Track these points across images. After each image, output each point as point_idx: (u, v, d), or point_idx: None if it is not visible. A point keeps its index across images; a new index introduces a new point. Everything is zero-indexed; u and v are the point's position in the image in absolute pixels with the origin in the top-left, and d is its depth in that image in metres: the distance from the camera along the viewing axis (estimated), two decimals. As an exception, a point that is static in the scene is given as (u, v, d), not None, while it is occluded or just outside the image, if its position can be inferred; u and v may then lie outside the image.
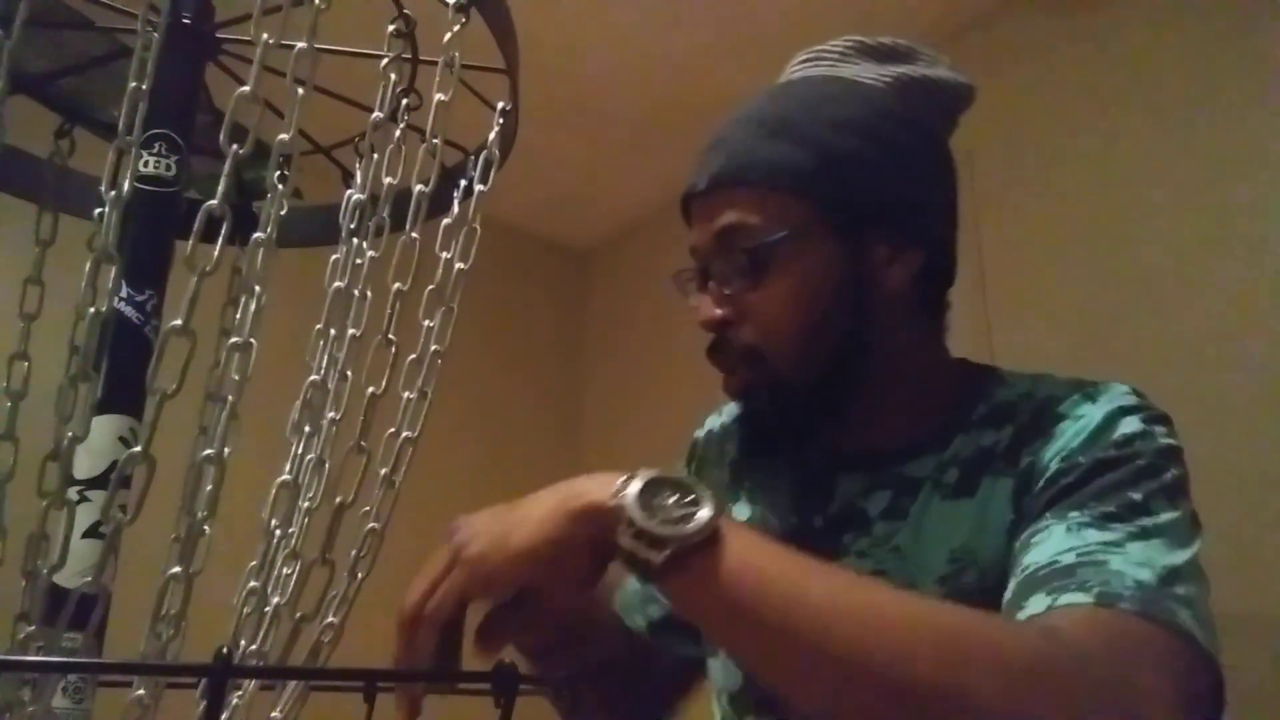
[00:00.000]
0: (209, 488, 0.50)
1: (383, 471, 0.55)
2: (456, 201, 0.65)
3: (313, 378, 0.54)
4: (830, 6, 1.82)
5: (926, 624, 0.47)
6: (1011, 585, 0.56)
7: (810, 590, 0.48)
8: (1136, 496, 0.57)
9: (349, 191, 0.58)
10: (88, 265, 0.50)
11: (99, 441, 0.60)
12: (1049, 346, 1.63)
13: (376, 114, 0.58)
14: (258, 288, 0.52)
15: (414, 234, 0.58)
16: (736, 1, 1.90)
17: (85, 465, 0.59)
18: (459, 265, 0.60)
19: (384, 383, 0.56)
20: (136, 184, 0.64)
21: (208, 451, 0.49)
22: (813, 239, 0.68)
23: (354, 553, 0.54)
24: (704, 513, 0.49)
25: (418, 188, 0.58)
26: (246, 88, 0.49)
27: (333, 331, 0.55)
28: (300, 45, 0.52)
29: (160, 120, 0.67)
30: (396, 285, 0.56)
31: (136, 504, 0.50)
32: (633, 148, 2.45)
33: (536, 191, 2.62)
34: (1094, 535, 0.55)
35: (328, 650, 0.54)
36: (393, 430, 0.57)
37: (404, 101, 0.65)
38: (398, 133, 0.60)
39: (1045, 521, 0.58)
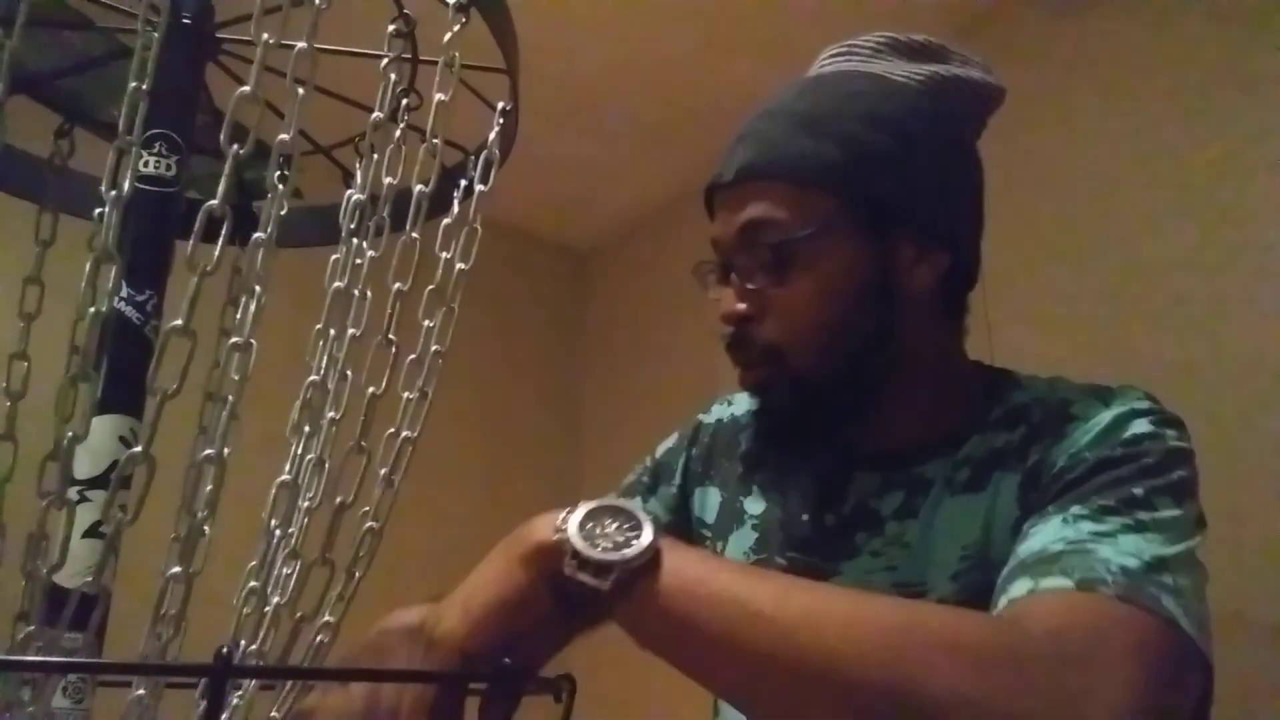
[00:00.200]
0: (209, 488, 0.50)
1: (382, 471, 0.55)
2: (457, 201, 0.65)
3: (313, 378, 0.54)
4: (830, 7, 1.82)
5: (875, 621, 0.47)
6: (1003, 573, 0.56)
7: (756, 598, 0.48)
8: (1138, 492, 0.57)
9: (349, 191, 0.58)
10: (88, 265, 0.50)
11: (99, 441, 0.60)
12: (1049, 346, 1.63)
13: (376, 114, 0.58)
14: (258, 288, 0.52)
15: (414, 234, 0.58)
16: (736, 2, 1.90)
17: (85, 465, 0.59)
18: (460, 265, 0.60)
19: (384, 383, 0.56)
20: (136, 184, 0.64)
21: (208, 451, 0.49)
22: (840, 237, 0.67)
23: (353, 553, 0.53)
24: (645, 535, 0.49)
25: (418, 188, 0.58)
26: (247, 88, 0.49)
27: (332, 331, 0.55)
28: (300, 45, 0.52)
29: (160, 120, 0.67)
30: (397, 285, 0.56)
31: (136, 504, 0.50)
32: (633, 148, 2.45)
33: (537, 192, 2.63)
34: (1088, 526, 0.55)
35: (325, 650, 0.54)
36: (392, 430, 0.57)
37: (404, 101, 0.65)
38: (398, 133, 0.60)
39: (1045, 514, 0.58)
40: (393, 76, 0.61)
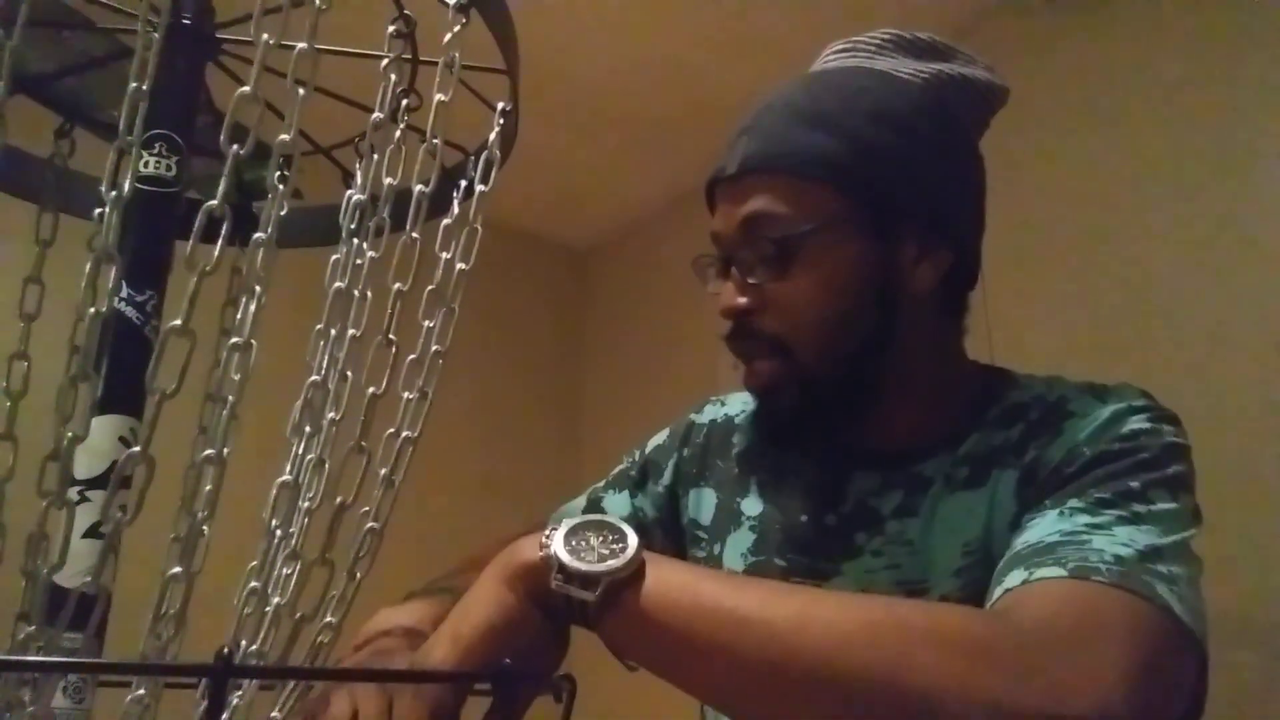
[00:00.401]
0: (209, 488, 0.50)
1: (382, 471, 0.55)
2: (457, 202, 0.65)
3: (313, 378, 0.54)
4: (830, 7, 1.82)
5: (861, 620, 0.47)
6: (999, 565, 0.56)
7: (742, 604, 0.48)
8: (1134, 485, 0.57)
9: (349, 192, 0.58)
10: (88, 265, 0.49)
11: (99, 442, 0.60)
12: (1049, 346, 1.63)
13: (377, 114, 0.58)
14: (258, 288, 0.52)
15: (414, 234, 0.58)
16: (736, 2, 1.90)
17: (85, 465, 0.59)
18: (460, 265, 0.60)
19: (384, 383, 0.56)
20: (137, 184, 0.64)
21: (208, 452, 0.49)
22: (842, 233, 0.66)
23: (353, 553, 0.53)
24: (630, 547, 0.50)
25: (418, 188, 0.58)
26: (247, 88, 0.49)
27: (333, 332, 0.55)
28: (300, 46, 0.52)
29: (160, 120, 0.67)
30: (397, 285, 0.56)
31: (136, 504, 0.50)
32: (633, 148, 2.45)
33: (537, 191, 2.63)
34: (1084, 519, 0.55)
35: (326, 650, 0.54)
36: (391, 430, 0.57)
37: (404, 102, 0.65)
38: (398, 133, 0.60)
39: (1041, 508, 0.58)
40: (393, 77, 0.61)
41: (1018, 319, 1.68)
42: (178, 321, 0.47)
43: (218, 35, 0.78)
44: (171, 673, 0.54)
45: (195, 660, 0.40)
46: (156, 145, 0.67)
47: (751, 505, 0.77)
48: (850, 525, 0.70)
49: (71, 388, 0.50)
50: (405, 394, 0.58)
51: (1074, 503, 0.57)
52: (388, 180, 0.58)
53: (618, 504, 0.88)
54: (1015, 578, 0.52)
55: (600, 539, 0.50)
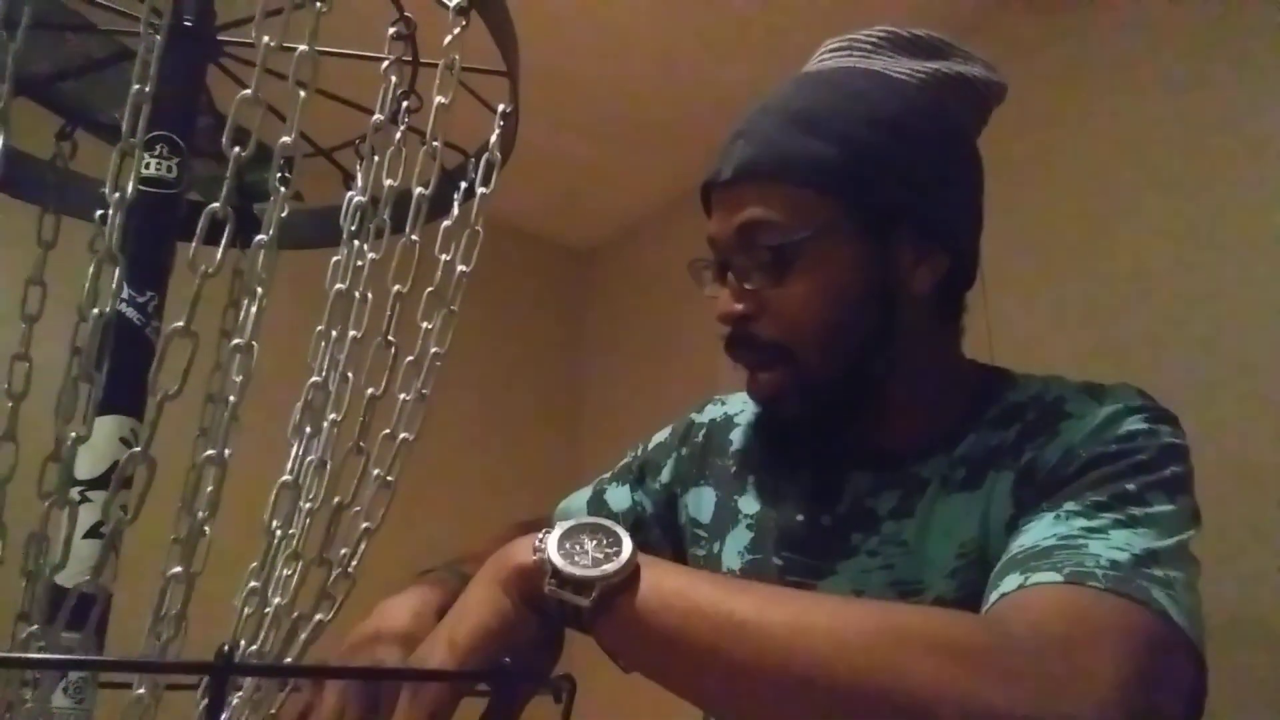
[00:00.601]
0: (210, 489, 0.50)
1: (376, 472, 0.55)
2: (457, 204, 0.65)
3: (314, 379, 0.54)
4: (831, 6, 1.82)
5: (857, 625, 0.47)
6: (996, 568, 0.57)
7: (738, 608, 0.48)
8: (1131, 487, 0.57)
9: (350, 194, 0.59)
10: (91, 267, 0.50)
11: (101, 442, 0.61)
12: (1049, 346, 1.64)
13: (377, 116, 0.58)
14: (259, 289, 0.53)
15: (414, 236, 0.59)
16: (736, 2, 1.90)
17: (87, 466, 0.60)
18: (460, 267, 0.60)
19: (383, 384, 0.56)
20: (138, 186, 0.64)
21: (209, 452, 0.49)
22: (839, 239, 0.66)
23: (343, 551, 0.54)
24: (624, 551, 0.50)
25: (418, 190, 0.58)
26: (248, 90, 0.50)
27: (334, 333, 0.55)
28: (301, 48, 0.52)
29: (162, 122, 0.67)
30: (396, 287, 0.56)
31: (136, 504, 0.50)
32: (634, 148, 2.45)
33: (538, 191, 2.63)
34: (1080, 522, 0.55)
35: (308, 645, 0.54)
36: (387, 431, 0.57)
37: (404, 104, 0.66)
38: (398, 135, 0.60)
39: (1038, 510, 0.58)
40: (393, 79, 0.61)
41: (1018, 319, 1.68)
42: (180, 323, 0.47)
43: (219, 37, 0.78)
44: (172, 670, 0.54)
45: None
46: (158, 147, 0.67)
47: (749, 504, 0.78)
48: (846, 525, 0.70)
49: (73, 388, 0.50)
50: (402, 396, 0.58)
51: (1070, 506, 0.57)
52: (388, 182, 0.58)
53: (620, 496, 0.89)
54: (1011, 582, 0.53)
55: (595, 542, 0.50)
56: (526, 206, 2.69)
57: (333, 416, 0.55)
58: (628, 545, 0.50)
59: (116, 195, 0.49)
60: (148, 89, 0.51)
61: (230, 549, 0.59)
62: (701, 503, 0.83)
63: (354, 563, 0.55)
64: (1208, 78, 1.53)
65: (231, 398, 0.52)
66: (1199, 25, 1.56)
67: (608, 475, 0.92)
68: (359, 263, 0.57)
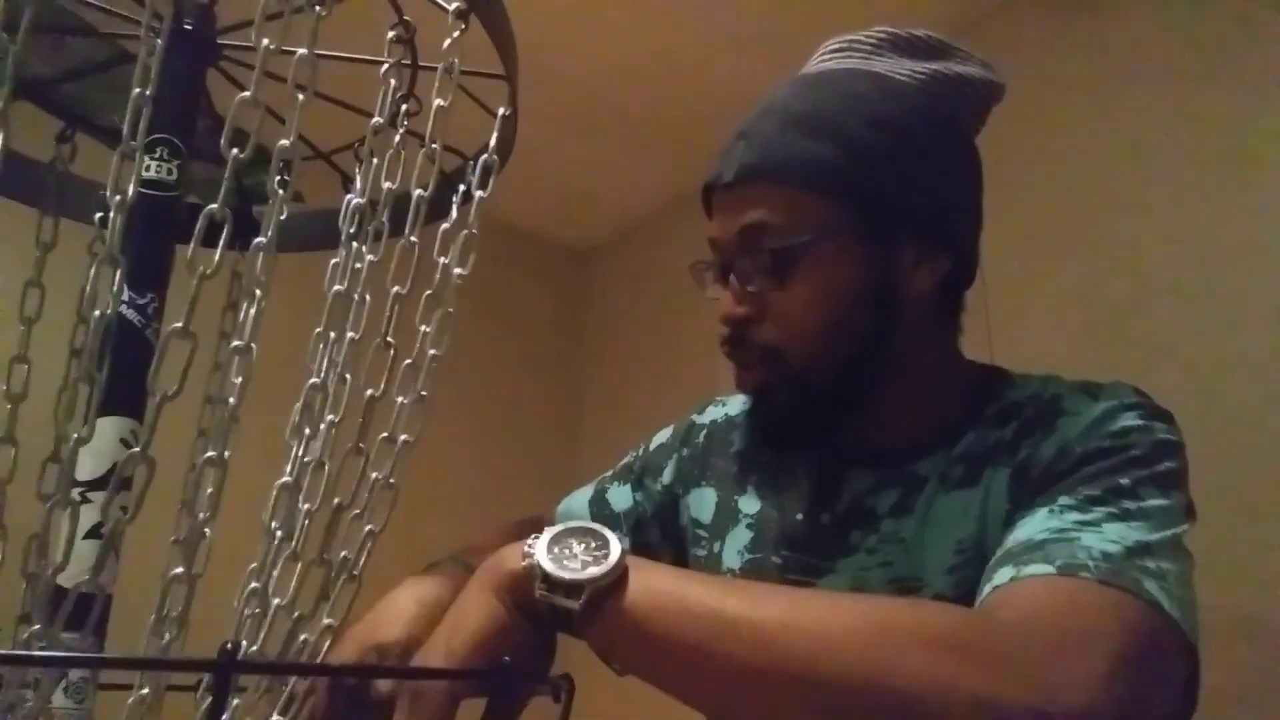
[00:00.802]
0: (210, 490, 0.50)
1: (374, 475, 0.56)
2: (455, 206, 0.65)
3: (313, 380, 0.55)
4: (831, 6, 1.82)
5: (847, 620, 0.47)
6: (990, 563, 0.57)
7: (728, 608, 0.49)
8: (1125, 482, 0.57)
9: (349, 196, 0.59)
10: (91, 269, 0.50)
11: (101, 443, 0.61)
12: (1049, 346, 1.64)
13: (376, 119, 0.58)
14: (258, 291, 0.53)
15: (413, 239, 0.59)
16: (736, 2, 1.90)
17: (87, 467, 0.60)
18: (458, 270, 0.60)
19: (382, 386, 0.56)
20: (138, 188, 0.64)
21: (210, 454, 0.50)
22: (841, 241, 0.66)
23: (343, 554, 0.54)
24: (613, 553, 0.50)
25: (416, 193, 0.58)
26: (247, 93, 0.50)
27: (332, 335, 0.56)
28: (301, 51, 0.52)
29: (162, 125, 0.67)
30: (395, 289, 0.56)
31: (135, 504, 0.50)
32: (634, 147, 2.45)
33: (538, 191, 2.63)
34: (1073, 516, 0.55)
35: (326, 650, 0.54)
36: (385, 434, 0.57)
37: (404, 107, 0.66)
38: (397, 138, 0.60)
39: (1032, 506, 0.58)
40: (392, 82, 0.61)
41: (1018, 319, 1.69)
42: (178, 324, 0.48)
43: (219, 41, 0.78)
44: (174, 668, 0.54)
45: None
46: (158, 150, 0.68)
47: (749, 503, 0.78)
48: (846, 524, 0.71)
49: (73, 390, 0.50)
50: (400, 398, 0.58)
51: (1064, 500, 0.57)
52: (387, 185, 0.58)
53: (621, 496, 0.89)
54: (1004, 575, 0.53)
55: (583, 545, 0.51)
56: (526, 206, 2.69)
57: (331, 418, 0.55)
58: (616, 548, 0.51)
59: (117, 198, 0.49)
60: (148, 92, 0.52)
61: (230, 550, 0.59)
62: (703, 503, 0.83)
63: (360, 565, 0.55)
64: (1208, 77, 1.53)
65: (231, 399, 0.53)
66: (1200, 25, 1.56)
67: (609, 474, 0.93)
68: (357, 265, 0.57)
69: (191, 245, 0.50)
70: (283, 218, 0.53)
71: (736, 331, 0.69)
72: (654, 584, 0.50)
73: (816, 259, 0.66)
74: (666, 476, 0.87)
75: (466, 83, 0.70)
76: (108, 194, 0.50)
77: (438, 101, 0.60)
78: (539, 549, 0.51)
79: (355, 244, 0.57)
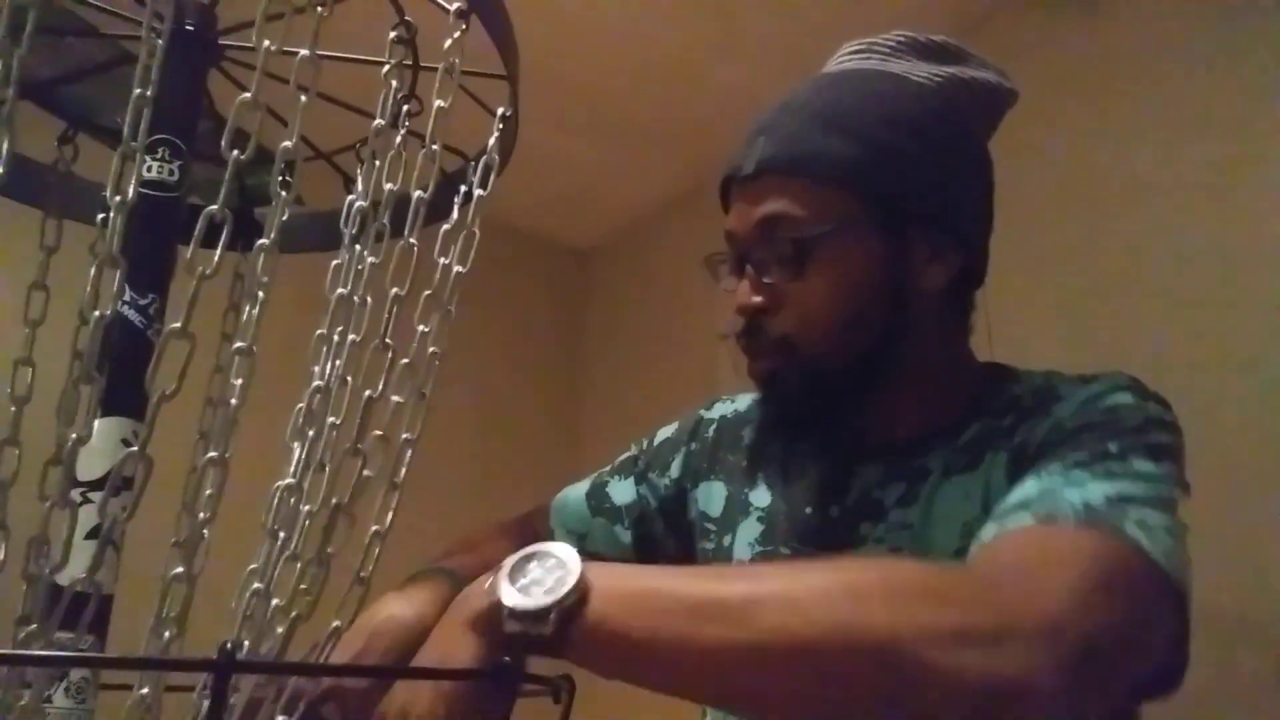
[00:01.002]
0: (210, 490, 0.50)
1: (368, 472, 0.56)
2: (456, 207, 0.65)
3: (316, 383, 0.55)
4: (830, 8, 1.82)
5: (810, 581, 0.49)
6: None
7: (693, 592, 0.49)
8: (1112, 448, 0.58)
9: (350, 197, 0.59)
10: (92, 270, 0.50)
11: (102, 444, 0.61)
12: (1049, 346, 1.64)
13: (378, 120, 0.58)
14: (261, 293, 0.53)
15: (413, 239, 0.59)
16: (736, 2, 1.90)
17: (88, 467, 0.60)
18: (457, 268, 0.61)
19: (380, 386, 0.56)
20: (140, 189, 0.64)
21: (211, 454, 0.50)
22: (857, 234, 0.68)
23: (330, 550, 0.54)
24: (571, 570, 0.50)
25: (416, 193, 0.59)
26: (248, 94, 0.50)
27: (335, 337, 0.56)
28: (302, 52, 0.52)
29: (163, 126, 0.67)
30: (394, 290, 0.57)
31: (133, 503, 0.50)
32: (634, 147, 2.45)
33: (538, 191, 2.63)
34: (1059, 478, 0.56)
35: (328, 651, 0.54)
36: (379, 433, 0.57)
37: (405, 108, 0.66)
38: (398, 139, 0.60)
39: (1023, 477, 0.60)
40: (394, 83, 0.61)
41: (1018, 319, 1.68)
42: (177, 324, 0.48)
43: (220, 42, 0.78)
44: (175, 668, 0.54)
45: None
46: (159, 151, 0.68)
47: (760, 497, 0.79)
48: (855, 516, 0.71)
49: (74, 391, 0.50)
50: (395, 398, 0.58)
51: (1052, 466, 0.58)
52: (388, 185, 0.58)
53: (623, 490, 0.90)
54: (989, 532, 0.54)
55: (543, 569, 0.51)
56: (527, 206, 2.69)
57: (331, 419, 0.55)
58: (574, 563, 0.50)
59: (117, 198, 0.49)
60: (149, 93, 0.52)
61: (230, 551, 0.59)
62: (711, 497, 0.84)
63: (369, 568, 0.55)
64: (1209, 77, 1.53)
65: (233, 400, 0.53)
66: (1200, 25, 1.56)
67: (607, 470, 0.93)
68: (358, 266, 0.57)
69: (191, 245, 0.50)
70: (285, 219, 0.53)
71: (752, 321, 0.71)
72: (618, 588, 0.50)
73: (833, 250, 0.68)
74: (674, 470, 0.88)
75: (467, 83, 0.70)
76: (108, 194, 0.50)
77: (438, 102, 0.60)
78: (500, 584, 0.51)
79: (357, 245, 0.57)
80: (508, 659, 0.50)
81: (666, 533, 0.87)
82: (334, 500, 0.53)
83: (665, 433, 0.92)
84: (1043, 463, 0.59)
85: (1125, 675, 0.49)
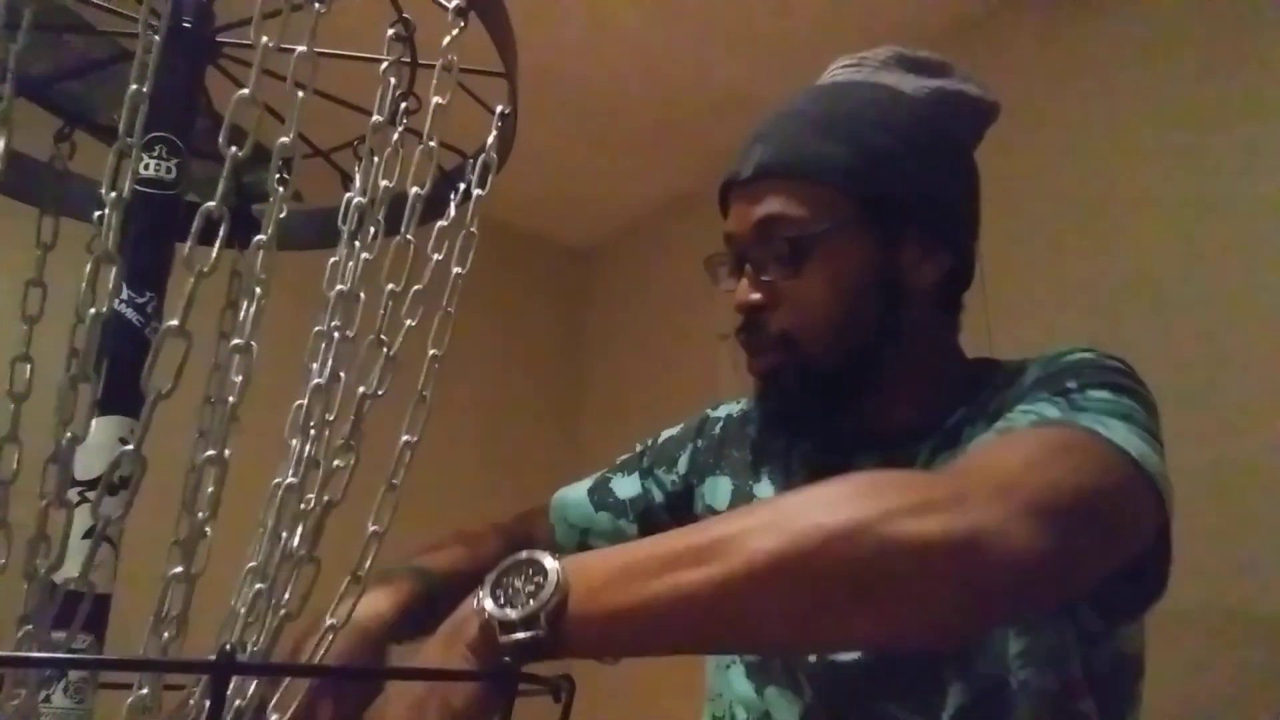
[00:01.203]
0: (209, 490, 0.50)
1: (354, 470, 0.55)
2: (453, 205, 0.65)
3: (315, 381, 0.54)
4: (830, 8, 1.82)
5: (777, 506, 0.51)
6: None
7: (668, 548, 0.50)
8: (1070, 385, 0.61)
9: (348, 194, 0.59)
10: (88, 267, 0.50)
11: (100, 443, 0.61)
12: (1049, 344, 1.63)
13: (376, 117, 0.58)
14: (258, 290, 0.53)
15: (409, 237, 0.59)
16: (736, 2, 1.90)
17: (86, 466, 0.60)
18: (455, 269, 0.60)
19: (375, 384, 0.56)
20: (136, 186, 0.64)
21: (209, 453, 0.50)
22: (852, 234, 0.72)
23: (358, 558, 0.54)
24: (550, 572, 0.51)
25: (413, 191, 0.58)
26: (245, 91, 0.50)
27: (335, 335, 0.56)
28: (300, 49, 0.52)
29: (160, 123, 0.67)
30: (390, 287, 0.56)
31: (128, 501, 0.50)
32: (634, 147, 2.45)
33: (538, 191, 2.63)
34: (1019, 414, 0.60)
35: (317, 649, 0.54)
36: (375, 432, 0.57)
37: (403, 105, 0.66)
38: (396, 136, 0.60)
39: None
40: (392, 80, 0.61)
41: (1018, 319, 1.68)
42: (174, 322, 0.47)
43: (217, 39, 0.78)
44: (174, 669, 0.54)
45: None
46: (156, 148, 0.67)
47: (763, 489, 0.83)
48: None
49: (71, 389, 0.50)
50: (380, 390, 0.58)
51: (1018, 409, 0.61)
52: (384, 183, 0.58)
53: (627, 485, 0.93)
54: (957, 461, 0.57)
55: (522, 579, 0.51)
56: (526, 206, 2.69)
57: (329, 418, 0.55)
58: (550, 563, 0.51)
59: (113, 195, 0.49)
60: (145, 89, 0.51)
61: (229, 551, 0.59)
62: (717, 491, 0.87)
63: (366, 568, 0.55)
64: (1209, 77, 1.53)
65: (231, 398, 0.52)
66: (1200, 24, 1.56)
67: (611, 468, 0.97)
68: (358, 259, 0.57)
69: (189, 243, 0.50)
70: (282, 216, 0.53)
71: (751, 318, 0.74)
72: (596, 570, 0.51)
73: (829, 249, 0.72)
74: (681, 466, 0.92)
75: (466, 80, 0.70)
76: (104, 191, 0.50)
77: (436, 99, 0.60)
78: (485, 601, 0.51)
79: (355, 243, 0.57)
80: (507, 659, 0.50)
81: (670, 526, 0.88)
82: (326, 499, 0.53)
83: (670, 432, 0.97)
84: (1010, 413, 0.62)
85: (1093, 535, 0.50)
